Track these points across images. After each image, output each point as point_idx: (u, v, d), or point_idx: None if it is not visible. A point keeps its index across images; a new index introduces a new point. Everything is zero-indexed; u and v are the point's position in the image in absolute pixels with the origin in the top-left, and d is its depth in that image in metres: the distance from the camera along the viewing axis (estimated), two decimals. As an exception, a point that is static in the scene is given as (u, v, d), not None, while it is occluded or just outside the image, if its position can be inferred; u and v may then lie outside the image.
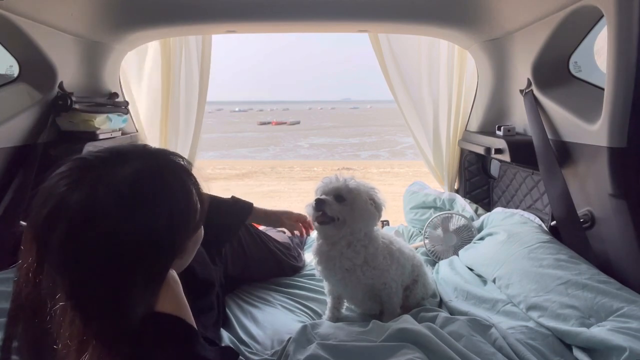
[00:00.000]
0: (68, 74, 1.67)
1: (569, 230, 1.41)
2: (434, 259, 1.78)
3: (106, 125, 1.76)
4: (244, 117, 40.02)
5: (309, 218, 1.25)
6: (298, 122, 31.17)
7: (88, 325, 0.58)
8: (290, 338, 1.08)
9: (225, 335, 1.18)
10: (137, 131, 2.20)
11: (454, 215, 1.84)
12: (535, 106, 1.59)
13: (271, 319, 1.28)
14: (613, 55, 1.14)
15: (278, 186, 7.15)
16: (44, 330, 0.60)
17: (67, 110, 1.62)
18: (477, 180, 2.23)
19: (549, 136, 1.51)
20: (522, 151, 1.64)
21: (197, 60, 2.24)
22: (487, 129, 2.05)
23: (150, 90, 2.24)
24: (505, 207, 1.87)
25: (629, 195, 1.21)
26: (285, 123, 30.56)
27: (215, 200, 1.31)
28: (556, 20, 1.43)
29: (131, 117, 2.15)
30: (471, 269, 1.56)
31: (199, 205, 0.69)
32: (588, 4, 1.25)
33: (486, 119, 2.08)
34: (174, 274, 0.69)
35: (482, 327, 1.07)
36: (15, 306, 0.63)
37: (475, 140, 2.05)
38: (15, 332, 0.63)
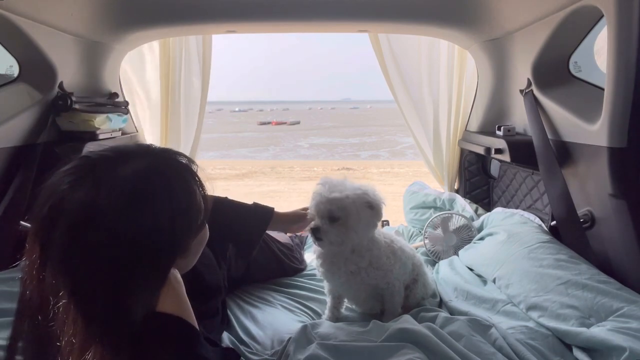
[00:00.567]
0: (68, 74, 1.67)
1: (569, 230, 1.41)
2: (434, 259, 1.78)
3: (106, 125, 1.76)
4: (244, 117, 40.01)
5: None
6: (298, 122, 31.16)
7: (90, 323, 0.58)
8: (290, 338, 1.08)
9: (225, 336, 1.18)
10: (137, 131, 2.20)
11: (454, 215, 1.84)
12: (535, 106, 1.59)
13: (271, 319, 1.28)
14: (613, 55, 1.14)
15: (278, 186, 7.15)
16: (48, 329, 0.60)
17: (67, 110, 1.62)
18: (477, 180, 2.23)
19: (549, 136, 1.52)
20: (522, 151, 1.64)
21: (197, 61, 2.24)
22: (487, 129, 2.06)
23: (151, 90, 2.24)
24: (505, 207, 1.87)
25: (629, 195, 1.21)
26: (285, 123, 30.56)
27: (235, 205, 1.30)
28: (556, 20, 1.43)
29: (131, 117, 2.15)
30: (471, 269, 1.56)
31: (202, 206, 0.69)
32: (588, 4, 1.25)
33: (486, 119, 2.08)
34: (176, 274, 0.69)
35: (482, 327, 1.07)
36: (22, 305, 0.63)
37: (475, 140, 2.05)
38: (21, 331, 0.63)
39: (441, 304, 1.38)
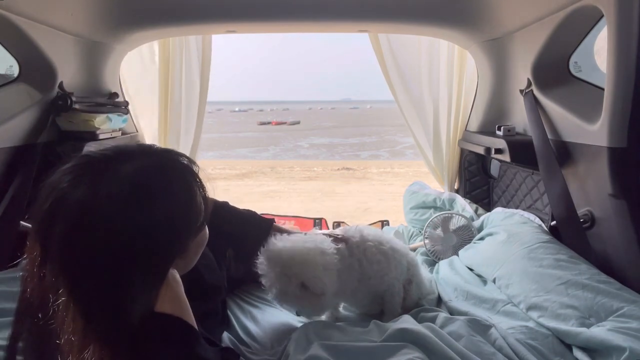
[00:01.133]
0: (68, 74, 1.67)
1: (569, 230, 1.41)
2: (434, 259, 1.78)
3: (106, 125, 1.76)
4: (244, 117, 40.01)
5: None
6: (298, 122, 31.16)
7: (88, 321, 0.58)
8: (290, 338, 1.08)
9: (225, 336, 1.18)
10: (137, 131, 2.20)
11: (454, 215, 1.84)
12: (535, 106, 1.59)
13: (271, 319, 1.28)
14: (613, 55, 1.14)
15: (278, 186, 7.16)
16: (48, 327, 0.60)
17: (67, 110, 1.62)
18: (477, 180, 2.23)
19: (549, 136, 1.52)
20: (522, 151, 1.64)
21: (197, 61, 2.24)
22: (487, 129, 2.05)
23: (151, 90, 2.24)
24: (505, 207, 1.87)
25: (629, 195, 1.21)
26: (285, 123, 30.56)
27: (237, 212, 1.30)
28: (556, 20, 1.43)
29: (131, 117, 2.15)
30: (471, 269, 1.56)
31: (202, 207, 0.69)
32: (588, 4, 1.25)
33: (486, 119, 2.08)
34: (175, 274, 0.69)
35: (482, 327, 1.07)
36: (22, 303, 0.63)
37: (475, 140, 2.05)
38: (22, 330, 0.63)
39: (441, 303, 1.38)
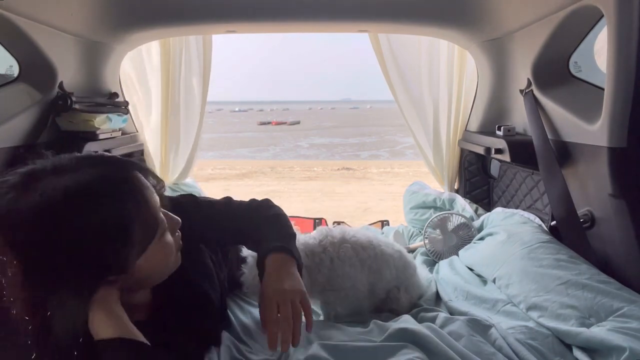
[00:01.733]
0: (68, 74, 1.67)
1: (569, 230, 1.41)
2: (434, 259, 1.78)
3: (106, 125, 1.77)
4: (244, 117, 40.01)
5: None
6: (298, 122, 31.16)
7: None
8: None
9: (226, 336, 1.18)
10: (137, 131, 2.20)
11: (453, 215, 1.84)
12: (535, 106, 1.59)
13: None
14: (613, 55, 1.13)
15: (278, 186, 7.16)
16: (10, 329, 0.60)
17: (67, 110, 1.62)
18: (477, 180, 2.23)
19: (549, 136, 1.52)
20: (522, 151, 1.64)
21: (198, 61, 2.24)
22: (487, 129, 2.05)
23: (150, 90, 2.24)
24: (505, 207, 1.87)
25: (629, 195, 1.21)
26: (285, 123, 30.56)
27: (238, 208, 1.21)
28: (556, 20, 1.43)
29: (131, 117, 2.15)
30: (471, 269, 1.56)
31: (150, 224, 0.67)
32: (588, 4, 1.25)
33: (486, 119, 2.08)
34: (113, 295, 0.66)
35: (482, 327, 1.07)
36: None
37: (475, 140, 2.05)
38: None
39: (441, 303, 1.37)
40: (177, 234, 0.79)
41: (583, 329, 1.03)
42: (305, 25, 1.94)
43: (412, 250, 1.91)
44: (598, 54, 1.52)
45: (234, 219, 1.03)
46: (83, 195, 0.61)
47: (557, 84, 1.58)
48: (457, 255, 1.70)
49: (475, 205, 2.08)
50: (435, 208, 2.10)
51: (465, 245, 1.72)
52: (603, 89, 1.21)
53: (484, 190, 2.23)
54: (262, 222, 1.01)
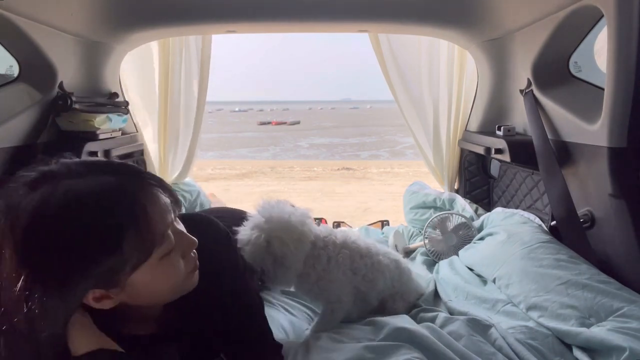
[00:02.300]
0: (68, 74, 1.67)
1: (569, 230, 1.41)
2: (434, 259, 1.78)
3: (106, 125, 1.77)
4: (244, 117, 40.03)
5: None
6: (298, 122, 31.17)
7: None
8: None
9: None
10: (137, 131, 2.20)
11: (453, 215, 1.84)
12: (535, 106, 1.59)
13: (271, 320, 1.28)
14: (613, 55, 1.14)
15: (278, 186, 7.16)
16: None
17: (67, 110, 1.62)
18: (477, 180, 2.23)
19: (549, 136, 1.52)
20: (522, 151, 1.64)
21: (197, 61, 2.24)
22: (487, 129, 2.05)
23: (150, 90, 2.24)
24: (505, 207, 1.87)
25: (629, 195, 1.21)
26: (285, 123, 30.56)
27: None
28: (556, 20, 1.43)
29: (131, 117, 2.15)
30: (471, 269, 1.56)
31: (145, 240, 0.64)
32: (588, 4, 1.25)
33: (486, 119, 2.08)
34: (87, 318, 0.65)
35: (482, 327, 1.07)
36: None
37: (475, 140, 2.05)
38: None
39: (441, 303, 1.37)
40: (192, 254, 0.75)
41: (583, 329, 1.03)
42: (305, 25, 1.94)
43: (412, 250, 1.91)
44: (598, 54, 1.52)
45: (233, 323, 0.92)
46: (79, 201, 0.60)
47: (557, 84, 1.58)
48: (457, 255, 1.70)
49: (475, 205, 2.08)
50: (435, 208, 2.10)
51: (465, 245, 1.72)
52: (603, 89, 1.21)
53: (484, 190, 2.23)
54: None
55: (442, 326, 1.08)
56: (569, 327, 1.05)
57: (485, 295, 1.33)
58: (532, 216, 1.66)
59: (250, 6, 1.75)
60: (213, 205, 2.32)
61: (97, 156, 1.69)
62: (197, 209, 2.21)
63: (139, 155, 2.20)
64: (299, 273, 1.14)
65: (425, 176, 2.72)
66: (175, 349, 0.80)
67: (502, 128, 1.78)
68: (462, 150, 2.25)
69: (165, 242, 0.67)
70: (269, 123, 30.46)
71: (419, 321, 1.15)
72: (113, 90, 2.00)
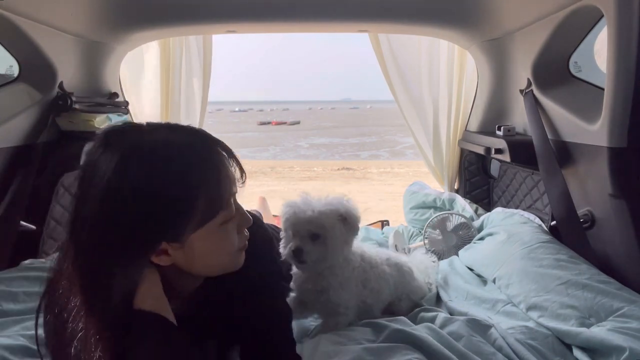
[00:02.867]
0: (68, 74, 1.67)
1: (569, 230, 1.41)
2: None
3: (106, 125, 1.77)
4: (244, 117, 40.02)
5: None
6: (298, 122, 31.16)
7: (85, 297, 0.61)
8: None
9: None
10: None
11: (453, 215, 1.84)
12: (535, 106, 1.59)
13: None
14: (613, 55, 1.13)
15: (278, 186, 7.15)
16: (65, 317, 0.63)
17: (67, 110, 1.62)
18: (477, 180, 2.23)
19: (549, 136, 1.51)
20: (522, 151, 1.64)
21: (198, 61, 2.24)
22: (487, 129, 2.05)
23: (151, 90, 2.24)
24: (505, 207, 1.87)
25: (629, 195, 1.21)
26: (285, 123, 30.55)
27: None
28: (556, 20, 1.43)
29: (131, 117, 2.15)
30: (471, 269, 1.56)
31: (213, 200, 0.68)
32: (588, 4, 1.25)
33: (486, 119, 2.08)
34: (156, 276, 0.67)
35: (482, 327, 1.07)
36: (48, 292, 0.67)
37: (475, 140, 2.05)
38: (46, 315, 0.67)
39: (441, 303, 1.37)
40: (245, 233, 0.76)
41: (583, 329, 1.03)
42: (305, 25, 1.94)
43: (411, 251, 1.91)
44: (598, 54, 1.52)
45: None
46: (160, 152, 0.64)
47: (557, 84, 1.58)
48: (457, 255, 1.70)
49: (475, 205, 2.08)
50: (435, 208, 2.10)
51: (465, 245, 1.72)
52: (603, 89, 1.21)
53: (484, 190, 2.23)
54: None
55: (442, 326, 1.08)
56: (569, 327, 1.05)
57: (485, 295, 1.33)
58: (532, 216, 1.66)
59: (250, 6, 1.75)
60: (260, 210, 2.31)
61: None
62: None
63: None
64: (338, 263, 1.15)
65: (425, 176, 2.72)
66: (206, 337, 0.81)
67: (502, 128, 1.78)
68: (462, 150, 2.25)
69: (228, 209, 0.70)
70: (269, 123, 30.45)
71: (419, 321, 1.15)
72: (113, 90, 2.00)
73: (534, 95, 1.62)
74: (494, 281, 1.40)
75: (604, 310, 1.07)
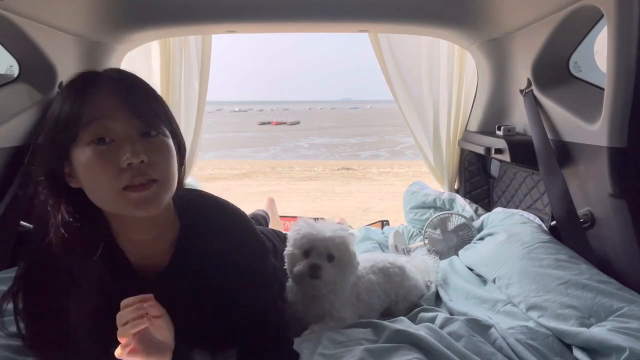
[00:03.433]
0: (68, 74, 1.66)
1: (569, 230, 1.41)
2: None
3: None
4: (244, 117, 40.03)
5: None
6: (298, 122, 31.19)
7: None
8: None
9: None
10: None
11: (453, 215, 1.84)
12: (535, 106, 1.59)
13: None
14: (613, 55, 1.13)
15: (278, 186, 7.16)
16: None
17: (67, 110, 1.62)
18: (477, 180, 2.23)
19: (549, 136, 1.51)
20: (522, 151, 1.64)
21: (197, 61, 2.24)
22: (487, 129, 2.05)
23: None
24: (505, 207, 1.87)
25: (629, 195, 1.20)
26: (285, 123, 30.59)
27: None
28: (556, 20, 1.43)
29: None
30: (471, 269, 1.56)
31: (76, 119, 0.72)
32: (588, 4, 1.25)
33: (486, 119, 2.08)
34: None
35: (481, 327, 1.06)
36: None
37: (475, 140, 2.05)
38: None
39: (441, 303, 1.37)
40: (129, 174, 0.71)
41: (583, 329, 1.03)
42: (305, 25, 1.94)
43: (411, 251, 1.91)
44: (598, 54, 1.52)
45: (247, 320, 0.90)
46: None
47: (557, 84, 1.58)
48: (457, 255, 1.70)
49: (475, 205, 2.08)
50: (435, 208, 2.10)
51: (465, 245, 1.72)
52: (603, 89, 1.21)
53: (484, 190, 2.23)
54: None
55: (442, 326, 1.07)
56: (569, 327, 1.05)
57: (485, 295, 1.33)
58: (532, 216, 1.66)
59: (250, 6, 1.75)
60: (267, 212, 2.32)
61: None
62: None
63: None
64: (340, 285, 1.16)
65: (425, 176, 2.72)
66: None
67: (502, 128, 1.78)
68: (462, 150, 2.25)
69: (92, 127, 0.72)
70: (269, 123, 30.48)
71: (419, 321, 1.15)
72: (113, 90, 2.00)
73: (534, 95, 1.62)
74: (494, 281, 1.40)
75: (604, 310, 1.07)
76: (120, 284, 0.79)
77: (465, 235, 1.78)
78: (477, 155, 2.15)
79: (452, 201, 2.07)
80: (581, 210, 1.40)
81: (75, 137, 0.71)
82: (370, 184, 7.30)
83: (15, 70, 1.55)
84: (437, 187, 2.35)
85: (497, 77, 1.97)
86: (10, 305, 0.82)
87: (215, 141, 17.83)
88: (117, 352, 0.70)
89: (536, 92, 1.62)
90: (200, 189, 1.09)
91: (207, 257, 0.84)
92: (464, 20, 1.82)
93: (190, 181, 2.42)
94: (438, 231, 1.82)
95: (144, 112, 0.75)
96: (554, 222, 1.52)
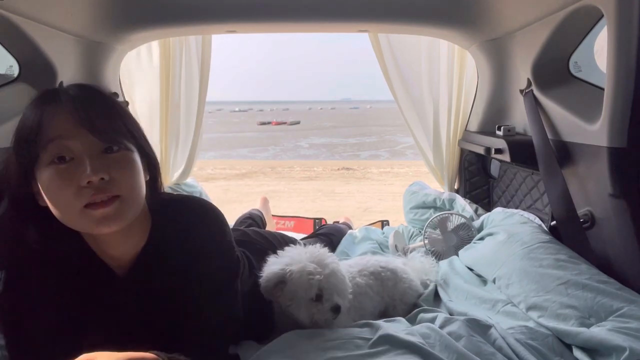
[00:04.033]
0: (68, 74, 1.67)
1: (569, 230, 1.41)
2: (434, 259, 1.78)
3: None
4: (244, 117, 40.04)
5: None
6: (298, 122, 31.21)
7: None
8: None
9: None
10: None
11: (453, 215, 1.84)
12: (535, 106, 1.59)
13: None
14: (613, 55, 1.13)
15: (278, 186, 7.15)
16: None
17: (67, 110, 1.62)
18: (477, 180, 2.23)
19: (549, 136, 1.51)
20: (522, 151, 1.64)
21: (197, 61, 2.24)
22: (487, 129, 2.05)
23: (150, 90, 2.24)
24: (505, 207, 1.87)
25: (629, 195, 1.20)
26: (285, 123, 30.60)
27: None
28: (556, 20, 1.43)
29: (131, 117, 2.14)
30: (471, 269, 1.56)
31: (35, 139, 0.71)
32: (588, 4, 1.25)
33: (486, 119, 2.08)
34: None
35: (481, 327, 1.06)
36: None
37: (475, 140, 2.05)
38: None
39: (441, 303, 1.37)
40: (89, 193, 0.71)
41: (583, 329, 1.03)
42: (305, 25, 1.94)
43: (411, 251, 1.91)
44: (598, 54, 1.52)
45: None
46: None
47: (557, 84, 1.58)
48: (457, 255, 1.70)
49: (475, 205, 2.08)
50: (435, 208, 2.10)
51: (465, 245, 1.72)
52: (603, 89, 1.21)
53: (484, 190, 2.23)
54: None
55: (441, 326, 1.07)
56: (569, 327, 1.05)
57: (485, 296, 1.33)
58: (532, 216, 1.66)
59: (250, 6, 1.75)
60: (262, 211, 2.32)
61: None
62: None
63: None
64: None
65: (425, 176, 2.72)
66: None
67: (502, 128, 1.78)
68: (462, 150, 2.25)
69: (50, 148, 0.72)
70: (269, 123, 30.49)
71: (418, 321, 1.15)
72: (113, 90, 2.00)
73: (534, 95, 1.62)
74: (493, 281, 1.40)
75: (604, 310, 1.07)
76: (90, 284, 0.82)
77: (465, 235, 1.78)
78: (477, 155, 2.15)
79: (452, 201, 2.07)
80: (581, 210, 1.40)
81: (36, 159, 0.72)
82: (370, 184, 7.30)
83: (15, 70, 1.55)
84: (437, 187, 2.35)
85: (497, 77, 1.97)
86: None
87: (215, 141, 17.83)
88: None
89: (536, 92, 1.62)
90: (192, 192, 1.10)
91: (169, 259, 0.85)
92: (464, 20, 1.82)
93: (190, 182, 2.42)
94: (438, 231, 1.82)
95: (102, 128, 0.73)
96: (554, 222, 1.52)
